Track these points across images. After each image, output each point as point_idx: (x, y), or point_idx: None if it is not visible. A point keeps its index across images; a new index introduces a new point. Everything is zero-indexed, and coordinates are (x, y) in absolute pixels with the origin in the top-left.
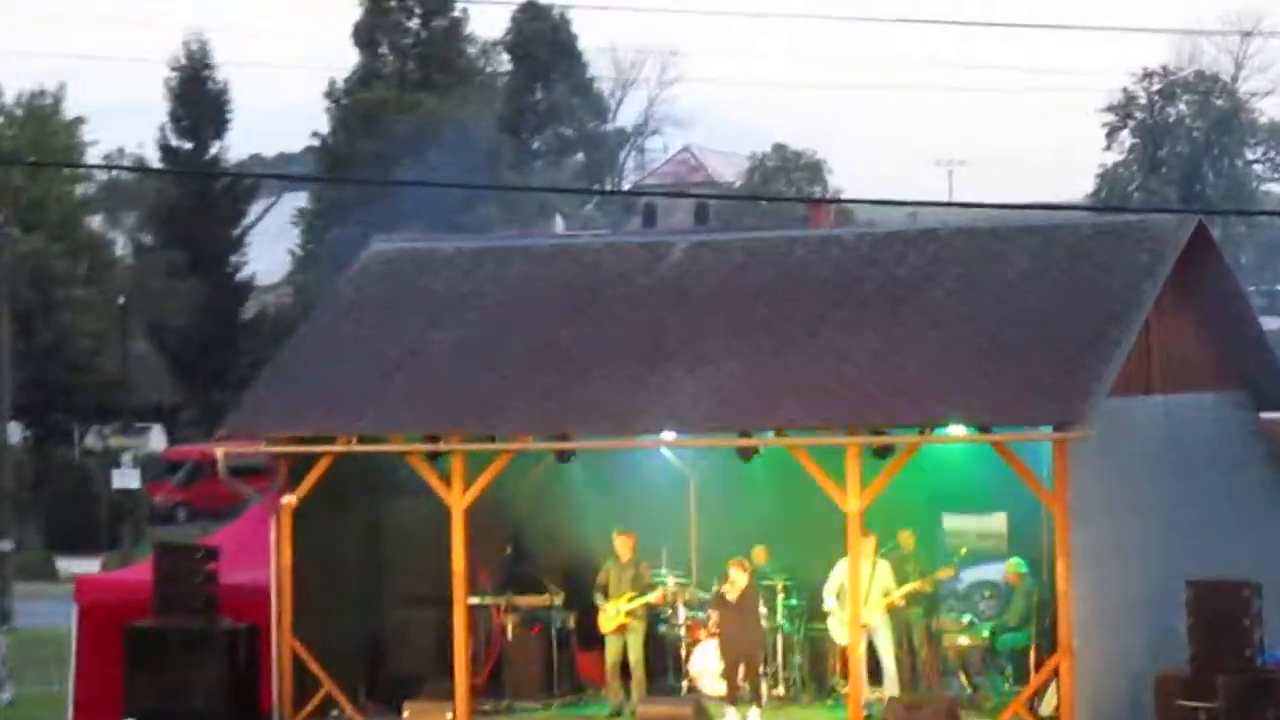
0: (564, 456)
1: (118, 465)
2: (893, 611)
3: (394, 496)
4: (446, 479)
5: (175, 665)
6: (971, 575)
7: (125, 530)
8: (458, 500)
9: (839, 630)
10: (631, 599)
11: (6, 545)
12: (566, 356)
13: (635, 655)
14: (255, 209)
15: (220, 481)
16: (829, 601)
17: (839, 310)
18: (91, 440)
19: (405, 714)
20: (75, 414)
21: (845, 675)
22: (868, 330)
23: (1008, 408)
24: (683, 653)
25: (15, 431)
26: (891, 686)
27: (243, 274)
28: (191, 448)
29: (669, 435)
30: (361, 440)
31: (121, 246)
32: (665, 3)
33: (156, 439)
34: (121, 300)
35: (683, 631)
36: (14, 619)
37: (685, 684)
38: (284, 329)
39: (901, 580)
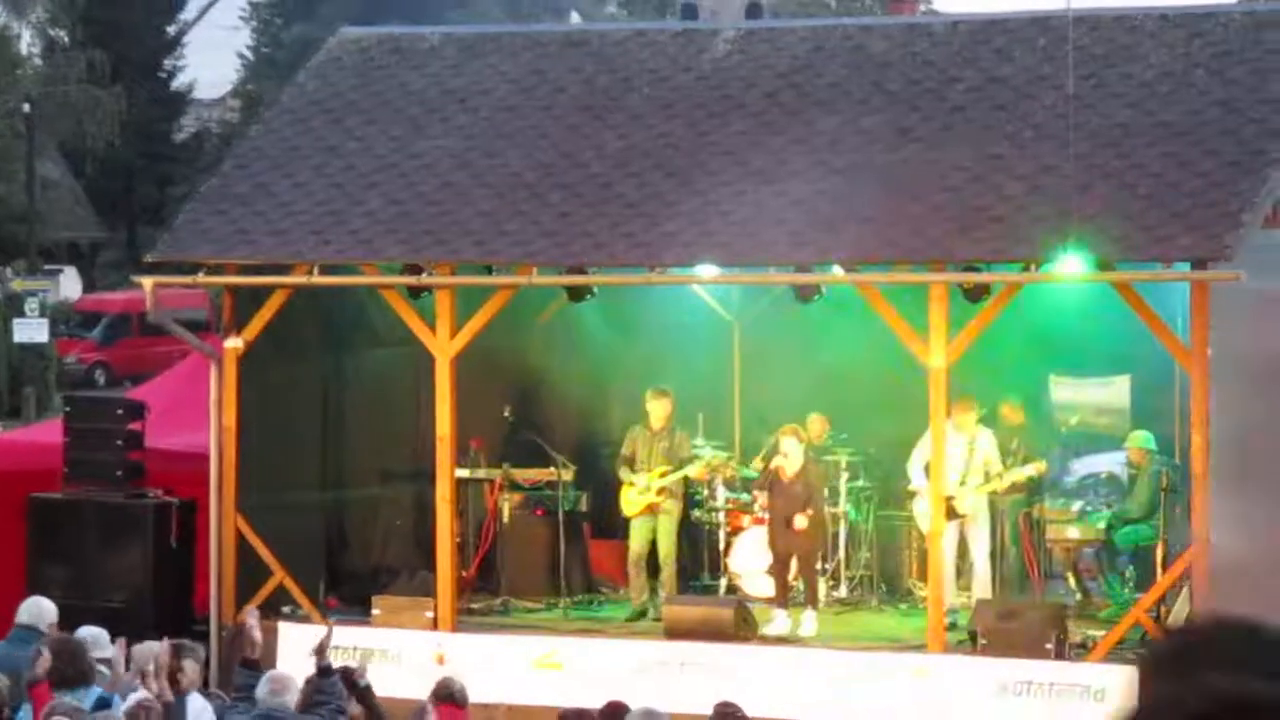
0: (578, 295)
1: (21, 315)
2: (993, 498)
3: (364, 343)
4: (430, 321)
5: (90, 547)
6: (1082, 467)
7: (28, 395)
8: (444, 347)
9: (925, 516)
10: (665, 474)
11: None
12: (583, 171)
13: (665, 545)
14: (196, 2)
15: (149, 340)
16: (916, 478)
17: (926, 119)
18: None
19: (375, 612)
20: None
21: (924, 575)
22: (961, 144)
23: (1134, 241)
24: (721, 544)
25: None
26: (983, 589)
27: (179, 82)
28: (114, 295)
29: (709, 270)
30: (325, 271)
31: (28, 44)
32: None
33: (69, 285)
34: (27, 109)
35: (722, 517)
36: None
37: (723, 582)
38: (229, 152)
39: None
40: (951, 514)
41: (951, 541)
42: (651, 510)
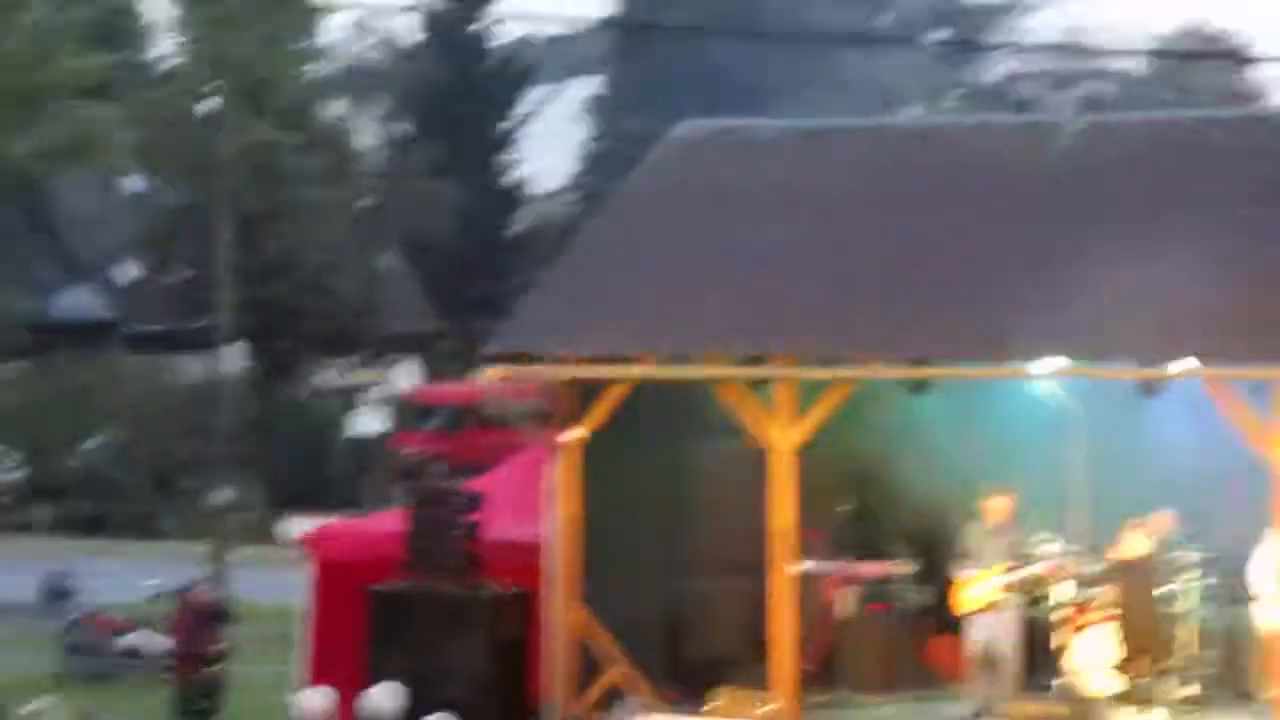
0: (921, 387)
1: (357, 407)
2: None
3: (703, 435)
4: (771, 413)
5: (431, 639)
6: None
7: (365, 488)
8: (784, 439)
9: (1266, 619)
10: (1009, 571)
11: (225, 497)
12: (925, 262)
13: (1008, 641)
14: (532, 98)
15: (489, 431)
16: (1258, 583)
17: (1276, 211)
18: (326, 376)
19: (713, 704)
20: (304, 343)
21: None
22: None
23: None
24: (1063, 640)
25: (235, 356)
26: None
27: (515, 175)
28: (452, 387)
29: (1056, 363)
30: (665, 363)
31: (369, 138)
32: None
33: (408, 376)
34: (372, 204)
35: (1064, 613)
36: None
37: (1065, 679)
38: (567, 243)
39: None
40: None
41: None
42: (993, 606)
